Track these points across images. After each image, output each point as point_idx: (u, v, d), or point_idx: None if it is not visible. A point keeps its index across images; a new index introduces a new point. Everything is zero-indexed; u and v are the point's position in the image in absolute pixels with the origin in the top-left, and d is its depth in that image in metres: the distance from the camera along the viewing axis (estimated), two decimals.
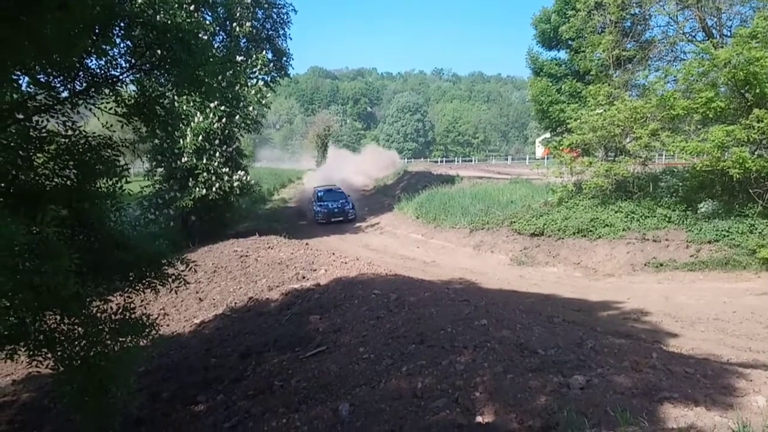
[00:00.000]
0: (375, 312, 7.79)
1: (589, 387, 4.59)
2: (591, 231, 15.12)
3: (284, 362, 7.10)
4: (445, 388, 4.95)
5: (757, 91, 12.82)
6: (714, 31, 16.17)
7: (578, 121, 16.82)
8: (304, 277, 11.50)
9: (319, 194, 26.77)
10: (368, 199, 34.01)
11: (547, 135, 24.39)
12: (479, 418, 4.36)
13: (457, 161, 72.22)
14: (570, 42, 19.44)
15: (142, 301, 5.55)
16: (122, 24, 4.38)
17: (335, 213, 25.14)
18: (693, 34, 16.85)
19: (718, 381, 5.01)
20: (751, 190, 13.26)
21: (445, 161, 72.29)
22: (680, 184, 15.49)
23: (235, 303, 10.89)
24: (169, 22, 4.47)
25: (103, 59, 4.48)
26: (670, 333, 8.47)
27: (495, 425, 4.20)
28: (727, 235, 12.98)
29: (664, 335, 8.34)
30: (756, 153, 13.35)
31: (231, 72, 16.41)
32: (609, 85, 16.78)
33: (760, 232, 12.64)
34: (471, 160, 75.24)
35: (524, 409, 4.27)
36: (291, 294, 10.20)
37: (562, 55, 22.21)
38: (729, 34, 15.53)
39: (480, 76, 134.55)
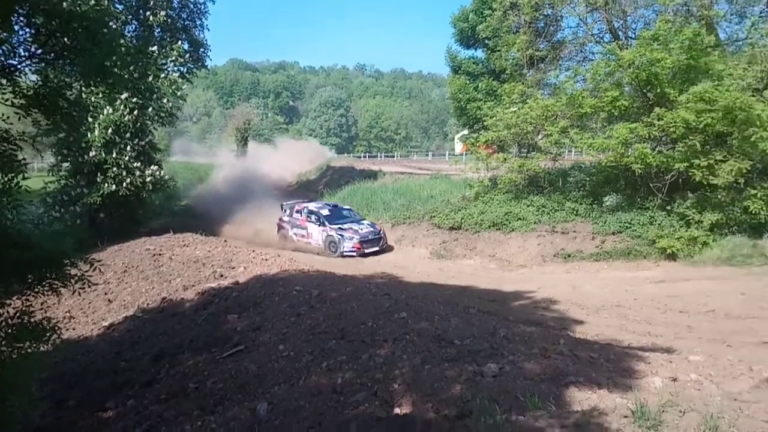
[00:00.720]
0: (296, 309, 7.62)
1: (501, 374, 4.69)
2: (505, 224, 15.65)
3: (200, 364, 6.79)
4: (365, 381, 4.92)
5: (658, 90, 13.69)
6: (620, 33, 17.12)
7: (494, 118, 17.32)
8: (221, 276, 11.10)
9: (320, 214, 18.08)
10: (292, 195, 33.51)
11: (466, 132, 24.89)
12: (397, 410, 4.36)
13: (380, 157, 72.64)
14: (487, 41, 19.96)
15: (42, 304, 5.12)
16: (23, 10, 4.00)
17: (370, 241, 16.91)
18: (601, 35, 17.82)
19: (619, 364, 5.24)
20: (651, 184, 14.14)
21: (368, 157, 72.54)
22: (587, 178, 16.33)
23: (148, 304, 10.34)
24: (74, 9, 4.12)
25: (1, 48, 4.08)
26: (576, 320, 8.83)
27: (412, 416, 4.20)
28: (630, 227, 13.82)
29: (571, 322, 8.67)
30: (656, 149, 14.26)
31: (144, 62, 15.58)
32: (523, 83, 17.39)
33: (659, 224, 13.53)
34: (393, 156, 75.92)
35: (440, 398, 4.31)
36: (208, 293, 9.79)
37: (480, 53, 22.79)
38: (634, 36, 16.46)
39: (402, 73, 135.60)
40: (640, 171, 13.68)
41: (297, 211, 18.82)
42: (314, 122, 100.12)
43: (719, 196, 13.08)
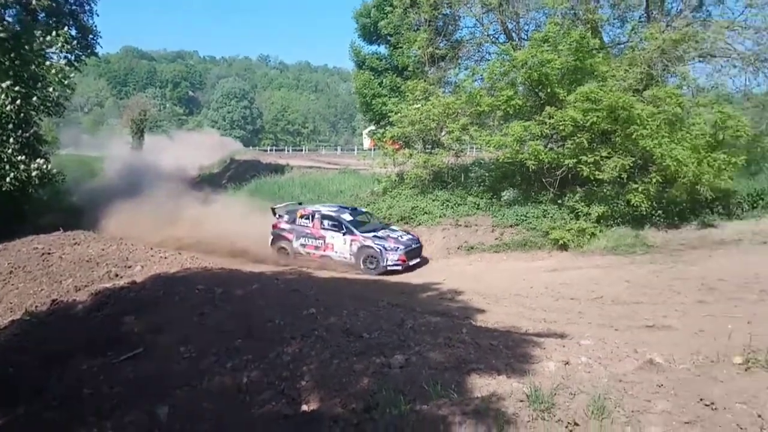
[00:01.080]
0: (199, 308, 7.33)
1: (408, 365, 4.82)
2: (412, 218, 16.04)
3: (95, 368, 6.37)
4: (272, 380, 4.89)
5: (549, 90, 14.47)
6: (514, 34, 17.86)
7: (399, 114, 17.54)
8: (117, 275, 10.44)
9: (342, 220, 14.51)
10: (196, 189, 32.06)
11: (373, 127, 25.03)
12: (305, 407, 4.37)
13: (288, 151, 71.29)
14: (389, 37, 20.09)
15: None
16: None
17: (413, 251, 14.07)
18: (496, 36, 18.47)
19: (517, 350, 5.51)
20: (544, 180, 14.96)
21: (275, 150, 70.98)
22: (487, 174, 17.02)
23: (36, 306, 9.54)
24: None
25: None
26: (479, 309, 9.15)
27: (320, 412, 4.22)
28: (525, 220, 14.59)
29: (474, 311, 8.97)
30: (548, 146, 15.06)
31: (26, 49, 14.34)
32: (425, 81, 17.73)
33: (551, 216, 14.36)
34: (301, 150, 74.78)
35: (348, 392, 4.36)
36: (102, 294, 9.17)
37: (383, 49, 22.86)
38: (526, 37, 17.18)
39: (307, 66, 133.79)
40: (533, 167, 14.45)
41: (303, 217, 14.89)
42: (216, 114, 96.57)
43: (605, 190, 14.07)
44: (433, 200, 16.40)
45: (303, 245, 14.59)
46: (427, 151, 18.27)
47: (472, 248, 14.48)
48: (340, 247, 14.14)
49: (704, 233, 13.44)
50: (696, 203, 13.95)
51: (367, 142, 34.79)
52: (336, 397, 4.33)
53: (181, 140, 56.24)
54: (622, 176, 13.71)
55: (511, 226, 14.66)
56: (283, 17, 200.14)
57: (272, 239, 15.14)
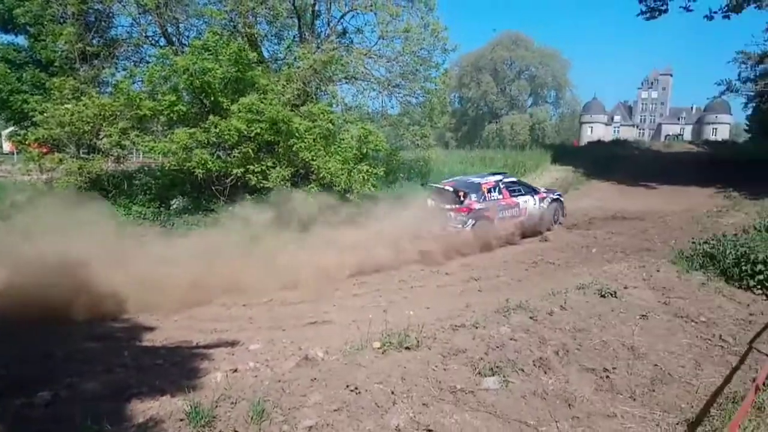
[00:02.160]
0: None
1: (55, 402, 4.38)
2: None
3: None
4: None
5: (212, 98, 14.44)
6: (174, 38, 17.26)
7: (44, 114, 15.26)
8: None
9: (522, 182, 15.15)
10: None
11: (14, 128, 21.23)
12: None
13: None
14: (29, 27, 17.28)
15: None
16: None
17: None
18: (156, 38, 17.57)
19: (185, 366, 5.37)
20: (214, 188, 14.93)
21: None
22: (154, 182, 16.12)
23: None
24: None
25: None
26: (147, 327, 8.59)
27: None
28: (197, 228, 14.28)
29: (141, 330, 8.38)
30: (215, 154, 15.07)
31: None
32: (75, 79, 15.80)
33: (222, 224, 14.38)
34: None
35: None
36: None
37: (21, 40, 19.51)
38: (188, 43, 16.71)
39: None
40: (202, 175, 14.28)
41: (491, 190, 13.47)
42: None
43: (272, 198, 14.78)
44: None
45: (502, 218, 13.39)
46: (83, 156, 16.37)
47: None
48: (531, 208, 14.06)
49: None
50: None
51: (6, 146, 29.63)
52: None
53: None
54: (287, 185, 14.57)
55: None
56: None
57: (473, 223, 12.73)
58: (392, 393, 4.06)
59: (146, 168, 17.68)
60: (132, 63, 17.41)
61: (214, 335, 8.24)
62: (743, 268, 8.31)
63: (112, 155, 15.74)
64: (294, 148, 14.34)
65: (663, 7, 23.52)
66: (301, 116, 14.89)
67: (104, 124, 14.85)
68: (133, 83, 15.48)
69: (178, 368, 5.42)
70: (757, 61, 32.20)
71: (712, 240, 9.60)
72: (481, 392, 4.25)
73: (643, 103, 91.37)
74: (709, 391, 4.62)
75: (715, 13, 21.06)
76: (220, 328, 8.65)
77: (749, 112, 38.65)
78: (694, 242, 9.91)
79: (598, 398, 4.38)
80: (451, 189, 13.25)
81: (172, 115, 14.26)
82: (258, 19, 16.63)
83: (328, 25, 17.86)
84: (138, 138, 14.61)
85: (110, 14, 17.03)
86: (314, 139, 14.53)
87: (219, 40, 14.14)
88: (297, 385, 4.25)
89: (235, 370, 5.36)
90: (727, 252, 8.76)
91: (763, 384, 4.34)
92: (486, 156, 27.36)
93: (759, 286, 8.07)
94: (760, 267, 8.12)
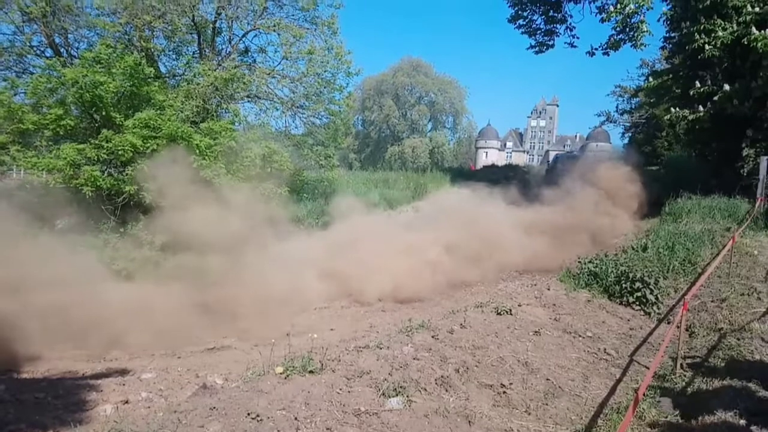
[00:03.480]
0: None
1: None
2: None
3: None
4: None
5: (104, 113, 13.67)
6: (63, 49, 16.25)
7: None
8: None
9: None
10: None
11: None
12: None
13: None
14: None
15: None
16: None
17: None
18: (42, 48, 16.45)
19: (70, 399, 5.00)
20: (103, 207, 14.04)
21: None
22: (36, 200, 14.88)
23: None
24: None
25: None
26: (26, 357, 7.90)
27: None
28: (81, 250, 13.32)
29: (19, 360, 7.73)
30: (106, 171, 14.23)
31: None
32: None
33: (113, 246, 13.54)
34: None
35: None
36: None
37: None
38: (77, 55, 15.90)
39: None
40: (90, 193, 13.42)
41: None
42: None
43: (168, 218, 14.13)
44: None
45: None
46: None
47: None
48: None
49: None
50: None
51: None
52: None
53: None
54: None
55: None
56: None
57: None
58: (295, 419, 4.00)
59: (27, 185, 16.28)
60: (14, 73, 16.08)
61: (103, 364, 7.77)
62: (623, 285, 9.15)
63: None
64: (194, 166, 13.86)
65: (550, 42, 25.37)
66: (200, 133, 14.48)
67: None
68: (15, 95, 14.31)
69: (61, 401, 5.06)
70: (632, 95, 35.77)
71: (596, 259, 10.41)
72: (384, 413, 4.31)
73: (532, 131, 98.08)
74: (596, 403, 5.01)
75: (596, 49, 22.83)
76: (110, 357, 8.16)
77: (626, 141, 42.29)
78: (580, 261, 10.69)
79: (495, 413, 4.59)
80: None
81: (58, 129, 13.36)
82: (155, 33, 16.09)
83: (230, 42, 17.64)
84: (18, 153, 13.50)
85: None
86: (215, 157, 14.15)
87: (113, 52, 13.48)
88: (194, 415, 4.07)
89: (126, 402, 5.11)
90: (609, 271, 9.57)
91: (644, 394, 4.75)
92: (389, 177, 27.89)
93: (637, 302, 8.92)
94: (638, 284, 8.97)
